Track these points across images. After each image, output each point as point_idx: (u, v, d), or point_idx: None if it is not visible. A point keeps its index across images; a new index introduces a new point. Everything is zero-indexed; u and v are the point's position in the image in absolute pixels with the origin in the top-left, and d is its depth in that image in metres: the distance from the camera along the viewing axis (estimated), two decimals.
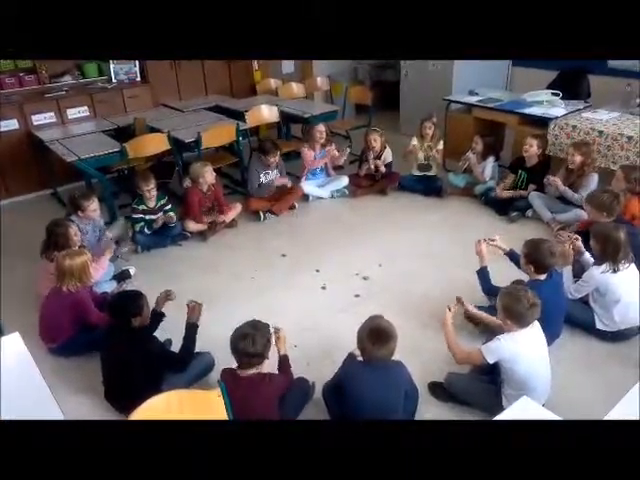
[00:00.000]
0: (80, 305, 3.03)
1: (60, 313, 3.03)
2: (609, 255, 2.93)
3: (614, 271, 2.92)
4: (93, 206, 3.78)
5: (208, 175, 4.33)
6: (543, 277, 2.86)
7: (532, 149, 4.42)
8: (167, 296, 2.97)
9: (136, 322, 2.67)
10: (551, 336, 2.89)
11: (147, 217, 4.20)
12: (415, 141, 5.02)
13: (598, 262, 3.00)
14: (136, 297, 2.72)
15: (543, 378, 2.49)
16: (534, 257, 2.86)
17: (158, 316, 2.94)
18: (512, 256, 3.22)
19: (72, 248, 3.25)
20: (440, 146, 5.00)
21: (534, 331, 2.48)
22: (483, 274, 3.14)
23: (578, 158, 4.08)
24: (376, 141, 4.96)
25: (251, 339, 2.29)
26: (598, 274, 2.95)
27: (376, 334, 2.29)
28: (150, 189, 4.13)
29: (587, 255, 3.18)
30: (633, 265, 2.99)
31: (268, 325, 2.46)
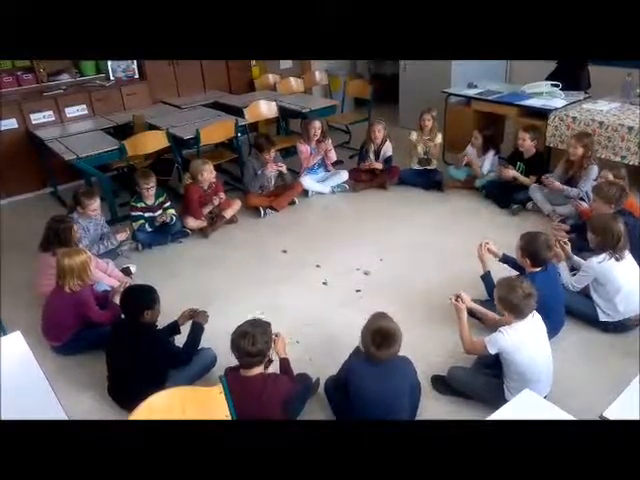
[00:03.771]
0: (82, 305, 3.02)
1: (63, 313, 3.03)
2: (609, 245, 2.93)
3: (617, 259, 2.92)
4: (94, 206, 3.76)
5: (207, 173, 4.28)
6: (539, 269, 2.87)
7: (526, 142, 4.40)
8: (190, 315, 2.93)
9: (147, 316, 2.66)
10: (553, 328, 2.89)
11: (146, 215, 4.20)
12: (414, 135, 5.01)
13: (596, 252, 3.00)
14: (150, 291, 2.73)
15: (545, 370, 2.49)
16: (531, 250, 2.86)
17: (175, 329, 2.92)
18: (506, 260, 3.20)
19: (73, 246, 3.25)
20: (438, 140, 4.99)
21: (535, 322, 2.48)
22: (487, 279, 3.11)
23: (580, 150, 4.03)
24: (380, 132, 4.94)
25: (251, 337, 2.25)
26: (597, 264, 2.95)
27: (380, 337, 2.25)
28: (149, 187, 4.13)
29: (576, 258, 3.19)
30: (629, 254, 2.99)
31: (269, 324, 2.41)
